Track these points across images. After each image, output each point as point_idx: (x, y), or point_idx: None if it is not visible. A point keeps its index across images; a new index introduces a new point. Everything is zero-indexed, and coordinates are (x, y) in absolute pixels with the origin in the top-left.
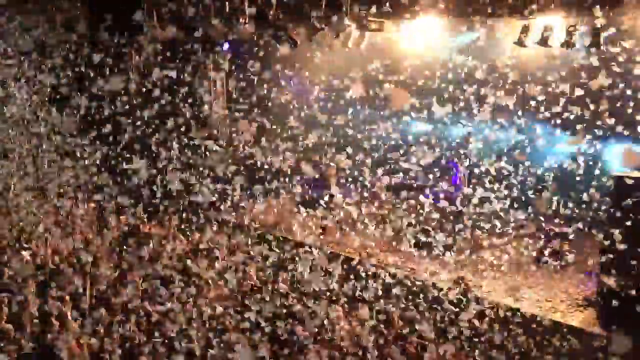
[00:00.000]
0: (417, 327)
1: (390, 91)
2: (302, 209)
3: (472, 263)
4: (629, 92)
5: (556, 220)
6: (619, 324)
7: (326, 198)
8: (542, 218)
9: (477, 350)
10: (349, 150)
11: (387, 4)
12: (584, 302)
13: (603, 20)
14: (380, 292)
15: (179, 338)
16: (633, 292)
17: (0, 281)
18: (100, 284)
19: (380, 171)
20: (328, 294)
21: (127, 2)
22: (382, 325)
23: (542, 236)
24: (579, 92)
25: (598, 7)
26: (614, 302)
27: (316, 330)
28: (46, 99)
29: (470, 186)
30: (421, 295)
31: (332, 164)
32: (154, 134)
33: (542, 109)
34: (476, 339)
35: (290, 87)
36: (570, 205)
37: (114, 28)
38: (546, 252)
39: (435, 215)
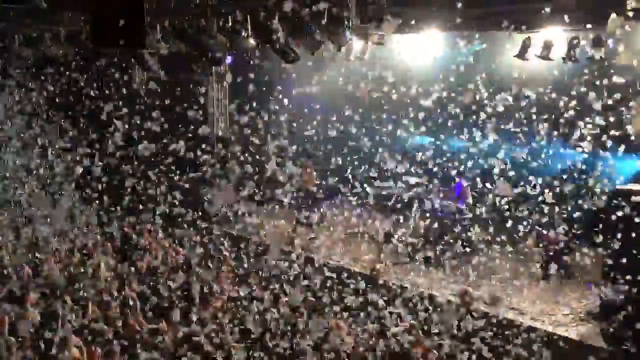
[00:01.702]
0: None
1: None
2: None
3: (475, 275)
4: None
5: (558, 232)
6: (622, 337)
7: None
8: (543, 230)
9: None
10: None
11: (389, 18)
12: (586, 315)
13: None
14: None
15: None
16: (635, 305)
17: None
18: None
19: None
20: None
21: (131, 16)
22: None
23: (544, 248)
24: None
25: (600, 20)
26: (617, 316)
27: None
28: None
29: (474, 198)
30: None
31: (308, 169)
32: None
33: (542, 120)
34: (478, 353)
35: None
36: (572, 216)
37: (117, 42)
38: (548, 265)
39: (438, 227)
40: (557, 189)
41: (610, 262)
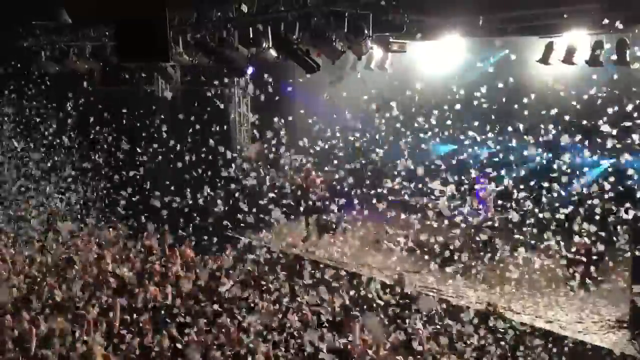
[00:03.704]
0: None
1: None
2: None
3: (501, 283)
4: None
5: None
6: None
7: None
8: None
9: None
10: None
11: (410, 26)
12: (616, 323)
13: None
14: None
15: None
16: None
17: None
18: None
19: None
20: None
21: (154, 29)
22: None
23: (573, 254)
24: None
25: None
26: None
27: None
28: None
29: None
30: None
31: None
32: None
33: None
34: None
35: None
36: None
37: (141, 55)
38: (577, 272)
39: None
40: (586, 196)
41: None
